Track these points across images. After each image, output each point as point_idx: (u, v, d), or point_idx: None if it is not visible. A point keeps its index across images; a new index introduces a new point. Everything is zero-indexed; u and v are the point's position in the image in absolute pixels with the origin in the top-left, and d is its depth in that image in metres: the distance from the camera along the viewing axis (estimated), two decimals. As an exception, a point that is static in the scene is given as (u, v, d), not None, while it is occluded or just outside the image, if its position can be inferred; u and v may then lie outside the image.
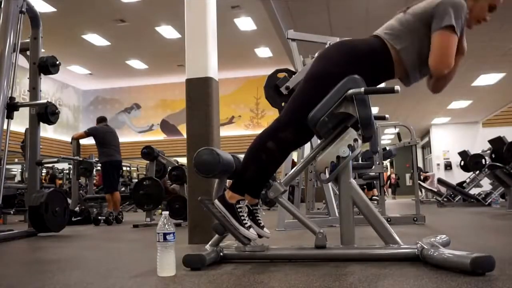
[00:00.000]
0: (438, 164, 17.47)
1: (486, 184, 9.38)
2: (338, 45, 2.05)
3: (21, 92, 12.40)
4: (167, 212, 1.76)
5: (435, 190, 11.48)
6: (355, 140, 1.89)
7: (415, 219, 4.22)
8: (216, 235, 2.03)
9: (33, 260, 2.60)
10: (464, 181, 9.42)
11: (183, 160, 7.20)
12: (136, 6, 9.90)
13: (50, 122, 4.50)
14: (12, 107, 3.76)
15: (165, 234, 1.67)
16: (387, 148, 6.13)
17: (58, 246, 3.28)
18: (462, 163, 9.86)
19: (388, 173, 18.50)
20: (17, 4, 3.96)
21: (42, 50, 4.65)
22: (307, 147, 4.01)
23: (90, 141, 7.19)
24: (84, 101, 17.67)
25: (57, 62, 4.65)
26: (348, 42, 2.04)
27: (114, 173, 6.56)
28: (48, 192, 4.20)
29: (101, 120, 6.83)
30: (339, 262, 1.86)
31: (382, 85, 2.08)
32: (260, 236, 2.02)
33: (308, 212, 5.63)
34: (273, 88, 3.85)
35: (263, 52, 13.31)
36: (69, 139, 7.04)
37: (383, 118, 3.29)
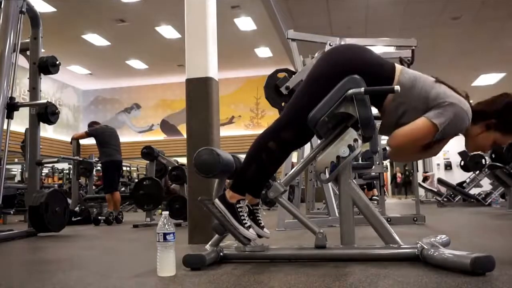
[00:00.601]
0: (438, 164, 17.47)
1: (486, 184, 9.37)
2: (346, 47, 2.04)
3: (21, 92, 12.39)
4: (167, 212, 1.76)
5: (435, 190, 11.48)
6: (355, 140, 1.89)
7: (415, 219, 4.22)
8: (216, 235, 2.03)
9: (33, 260, 2.59)
10: (464, 181, 9.42)
11: (183, 160, 7.21)
12: (136, 6, 9.90)
13: (50, 122, 4.50)
14: (12, 107, 3.75)
15: (165, 234, 1.67)
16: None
17: (58, 246, 3.28)
18: (462, 163, 9.86)
19: (394, 172, 18.19)
20: (17, 4, 3.96)
21: (42, 50, 4.64)
22: (307, 147, 4.01)
23: (90, 141, 7.20)
24: (84, 101, 17.66)
25: (57, 62, 4.65)
26: (357, 47, 2.03)
27: (114, 173, 6.56)
28: (48, 192, 4.20)
29: (94, 123, 6.88)
30: (339, 262, 1.86)
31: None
32: (260, 236, 2.02)
33: (308, 212, 5.64)
34: (273, 88, 3.85)
35: (263, 52, 13.31)
36: (69, 139, 7.04)
37: (383, 118, 3.28)
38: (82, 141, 7.19)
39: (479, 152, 9.34)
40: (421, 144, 1.92)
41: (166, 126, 16.92)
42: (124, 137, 16.41)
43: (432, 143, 1.94)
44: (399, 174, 18.73)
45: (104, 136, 6.54)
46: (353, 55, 1.96)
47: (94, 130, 6.65)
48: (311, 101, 1.91)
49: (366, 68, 1.90)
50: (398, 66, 1.96)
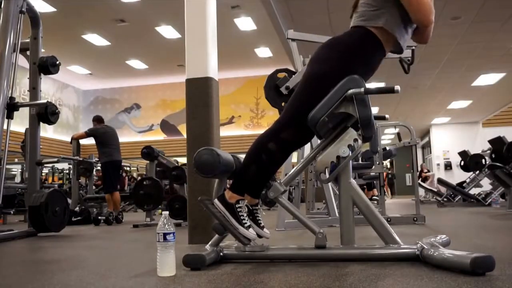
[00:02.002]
0: (438, 164, 17.46)
1: (486, 184, 9.38)
2: (326, 44, 2.06)
3: (21, 92, 12.40)
4: (167, 212, 1.76)
5: (435, 190, 11.48)
6: (355, 140, 1.89)
7: (415, 219, 4.22)
8: (216, 235, 2.03)
9: (33, 260, 2.59)
10: (464, 181, 9.42)
11: (183, 160, 7.20)
12: (136, 6, 9.90)
13: (50, 122, 4.50)
14: (12, 107, 3.76)
15: (165, 234, 1.67)
16: (387, 148, 6.13)
17: (58, 246, 3.28)
18: (462, 163, 9.86)
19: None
20: (17, 4, 3.96)
21: (42, 50, 4.65)
22: (307, 147, 4.01)
23: (90, 141, 7.19)
24: (84, 101, 17.66)
25: (57, 62, 4.65)
26: (334, 39, 2.05)
27: (114, 173, 6.56)
28: (48, 192, 4.20)
29: (98, 119, 6.82)
30: (339, 262, 1.86)
31: (382, 84, 2.08)
32: (259, 236, 2.02)
33: (308, 212, 5.64)
34: (273, 88, 3.85)
35: (263, 52, 13.30)
36: (69, 139, 7.04)
37: (383, 118, 3.29)
38: (82, 141, 7.19)
39: (479, 152, 9.35)
40: None
41: (166, 126, 16.92)
42: (124, 137, 16.40)
43: None
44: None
45: (105, 136, 6.53)
46: (339, 48, 1.98)
47: (94, 130, 6.64)
48: (310, 101, 1.91)
49: (354, 52, 1.94)
50: (357, 23, 1.98)
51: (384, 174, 17.96)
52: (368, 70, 2.00)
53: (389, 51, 2.03)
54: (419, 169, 14.86)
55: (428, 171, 16.32)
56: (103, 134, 6.56)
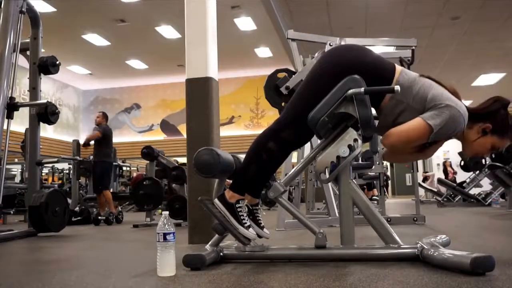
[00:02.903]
0: (438, 164, 17.45)
1: (486, 184, 9.37)
2: (347, 48, 2.04)
3: (21, 92, 12.39)
4: (167, 212, 1.76)
5: (435, 190, 11.48)
6: (355, 140, 1.89)
7: (415, 219, 4.22)
8: (216, 235, 2.03)
9: (33, 260, 2.60)
10: (464, 181, 9.42)
11: (183, 160, 7.20)
12: (136, 6, 9.90)
13: (50, 122, 4.50)
14: (12, 107, 3.75)
15: (165, 234, 1.67)
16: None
17: (58, 246, 3.28)
18: (462, 163, 9.86)
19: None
20: (17, 4, 3.96)
21: (42, 50, 4.64)
22: (307, 147, 4.01)
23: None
24: (84, 101, 17.65)
25: (57, 62, 4.65)
26: (358, 48, 2.02)
27: (110, 174, 6.66)
28: (48, 192, 4.20)
29: (107, 117, 6.82)
30: (339, 262, 1.86)
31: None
32: (259, 236, 2.02)
33: (308, 212, 5.64)
34: (273, 88, 3.85)
35: (263, 52, 13.30)
36: (69, 139, 7.07)
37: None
38: (82, 141, 7.20)
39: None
40: (415, 144, 1.92)
41: (166, 126, 16.91)
42: (124, 137, 16.44)
43: (427, 144, 1.93)
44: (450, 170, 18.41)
45: (111, 136, 6.61)
46: (354, 56, 1.95)
47: (106, 129, 6.65)
48: (311, 101, 1.91)
49: (367, 69, 1.90)
50: (398, 67, 1.96)
51: (451, 170, 17.55)
52: (370, 83, 1.92)
53: (377, 112, 1.99)
54: (442, 167, 14.24)
55: (454, 171, 15.58)
56: (111, 134, 6.60)
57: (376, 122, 2.04)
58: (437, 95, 1.86)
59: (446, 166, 14.01)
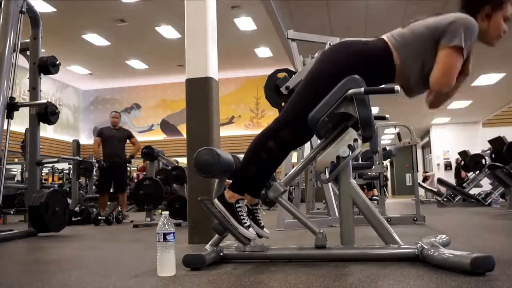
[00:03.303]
0: (438, 164, 17.46)
1: (486, 184, 9.37)
2: (340, 46, 2.05)
3: (21, 92, 12.39)
4: (167, 212, 1.76)
5: (435, 190, 11.48)
6: (355, 140, 1.89)
7: (415, 219, 4.22)
8: (216, 235, 2.03)
9: (33, 260, 2.60)
10: (464, 181, 9.42)
11: (183, 160, 7.20)
12: (136, 6, 9.90)
13: (50, 122, 4.50)
14: (12, 107, 3.75)
15: (165, 234, 1.67)
16: (387, 148, 6.13)
17: (58, 246, 3.28)
18: (462, 163, 9.86)
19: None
20: (17, 4, 3.95)
21: (42, 50, 4.64)
22: (307, 147, 4.01)
23: (90, 141, 7.20)
24: (84, 101, 17.66)
25: (57, 62, 4.65)
26: (350, 43, 2.03)
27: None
28: (48, 192, 4.20)
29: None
30: (339, 262, 1.86)
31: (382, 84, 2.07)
32: (259, 236, 2.02)
33: (308, 212, 5.64)
34: (273, 88, 3.85)
35: (263, 52, 13.30)
36: (69, 139, 7.09)
37: (383, 118, 3.29)
38: (82, 141, 7.20)
39: (479, 152, 9.35)
40: (458, 70, 1.92)
41: (166, 126, 16.92)
42: (124, 137, 16.42)
43: (464, 63, 1.94)
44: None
45: None
46: (349, 51, 1.97)
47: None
48: (311, 100, 1.91)
49: (363, 59, 1.93)
50: (386, 38, 1.98)
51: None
52: (371, 81, 1.92)
53: (399, 84, 1.98)
54: (454, 165, 13.76)
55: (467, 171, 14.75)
56: None
57: (379, 123, 2.05)
58: (433, 22, 1.93)
59: (458, 165, 12.74)
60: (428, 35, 1.91)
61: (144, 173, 7.35)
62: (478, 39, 1.96)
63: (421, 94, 2.08)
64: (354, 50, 1.97)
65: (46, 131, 13.89)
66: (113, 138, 6.47)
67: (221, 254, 2.00)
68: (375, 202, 7.44)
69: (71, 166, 9.01)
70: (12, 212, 6.25)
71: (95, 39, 11.95)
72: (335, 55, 2.00)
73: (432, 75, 1.90)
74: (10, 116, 3.78)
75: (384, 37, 1.99)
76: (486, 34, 1.96)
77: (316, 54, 3.97)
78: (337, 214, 4.12)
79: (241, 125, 16.22)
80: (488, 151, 8.55)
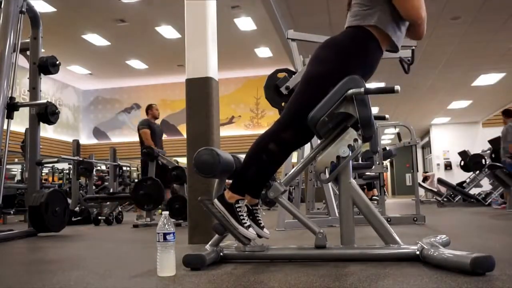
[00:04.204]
0: (438, 164, 17.46)
1: (486, 184, 9.37)
2: (324, 44, 2.07)
3: (21, 92, 12.39)
4: (167, 212, 1.76)
5: (435, 190, 11.47)
6: (355, 140, 1.89)
7: (415, 219, 4.22)
8: (216, 235, 2.03)
9: (33, 260, 2.59)
10: (464, 181, 9.42)
11: (183, 160, 7.19)
12: (136, 6, 9.89)
13: (50, 122, 4.49)
14: (12, 107, 3.75)
15: (165, 234, 1.67)
16: (387, 148, 6.13)
17: (58, 246, 3.28)
18: (462, 163, 9.86)
19: None
20: (17, 4, 3.95)
21: (42, 50, 4.64)
22: (307, 147, 4.01)
23: (90, 141, 7.19)
24: (84, 101, 17.65)
25: (57, 62, 4.64)
26: (332, 39, 2.07)
27: None
28: (48, 192, 4.19)
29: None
30: (339, 262, 1.86)
31: (382, 84, 2.08)
32: (259, 236, 2.02)
33: (308, 212, 5.63)
34: (273, 88, 3.85)
35: (263, 52, 13.30)
36: (69, 139, 7.07)
37: (383, 118, 3.29)
38: (82, 141, 7.18)
39: (479, 152, 9.35)
40: None
41: (166, 126, 16.91)
42: (124, 137, 16.43)
43: None
44: None
45: None
46: (337, 48, 1.99)
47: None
48: (309, 101, 1.91)
49: (351, 50, 1.96)
50: (353, 25, 2.01)
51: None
52: (367, 70, 2.01)
53: (385, 49, 2.04)
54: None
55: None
56: None
57: (379, 123, 2.06)
58: None
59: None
60: None
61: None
62: None
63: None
64: (338, 44, 2.00)
65: (46, 131, 13.89)
66: (157, 131, 6.28)
67: (221, 254, 2.00)
68: (375, 202, 7.43)
69: (71, 166, 9.02)
70: (12, 212, 6.24)
71: (95, 39, 11.95)
72: (323, 54, 2.02)
73: (404, 14, 1.94)
74: (10, 116, 3.77)
75: (349, 25, 2.04)
76: None
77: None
78: (337, 214, 4.12)
79: (241, 125, 16.22)
80: (488, 151, 8.56)
